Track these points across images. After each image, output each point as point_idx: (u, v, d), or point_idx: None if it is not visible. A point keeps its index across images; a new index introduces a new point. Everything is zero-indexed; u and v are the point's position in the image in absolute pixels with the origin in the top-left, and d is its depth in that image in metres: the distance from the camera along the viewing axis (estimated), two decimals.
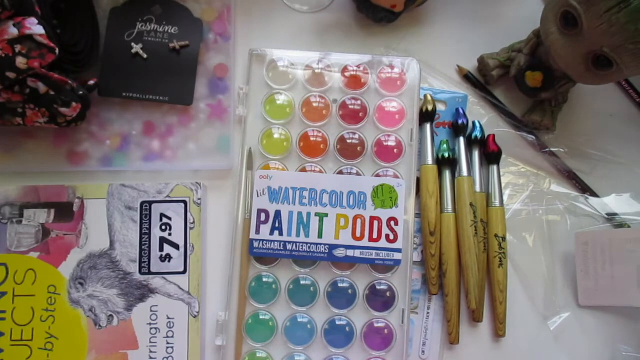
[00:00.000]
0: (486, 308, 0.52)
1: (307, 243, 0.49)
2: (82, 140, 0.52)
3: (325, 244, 0.49)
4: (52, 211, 0.51)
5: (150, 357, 0.49)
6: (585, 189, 0.55)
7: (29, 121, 0.47)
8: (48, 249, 0.50)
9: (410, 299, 0.50)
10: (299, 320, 0.50)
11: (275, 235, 0.49)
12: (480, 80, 0.56)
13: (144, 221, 0.51)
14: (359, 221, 0.50)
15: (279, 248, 0.49)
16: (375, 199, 0.50)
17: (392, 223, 0.49)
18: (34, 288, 0.50)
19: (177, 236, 0.51)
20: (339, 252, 0.49)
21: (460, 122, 0.52)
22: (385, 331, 0.49)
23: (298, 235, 0.49)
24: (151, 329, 0.50)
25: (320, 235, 0.49)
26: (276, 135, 0.52)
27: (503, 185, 0.53)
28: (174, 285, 0.50)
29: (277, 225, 0.50)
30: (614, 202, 0.54)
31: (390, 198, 0.50)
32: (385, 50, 0.56)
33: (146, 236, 0.51)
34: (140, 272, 0.50)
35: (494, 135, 0.53)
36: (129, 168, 0.52)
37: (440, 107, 0.54)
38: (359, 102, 0.52)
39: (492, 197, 0.52)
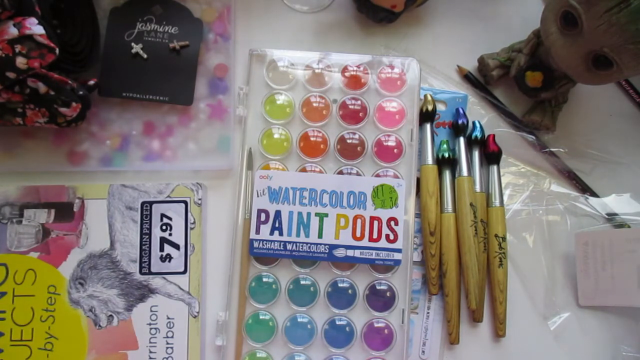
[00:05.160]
0: (486, 308, 0.52)
1: (307, 243, 0.49)
2: (82, 140, 0.52)
3: (325, 244, 0.49)
4: (52, 211, 0.51)
5: (150, 357, 0.49)
6: (585, 189, 0.55)
7: (29, 121, 0.47)
8: (48, 249, 0.50)
9: (410, 299, 0.50)
10: (299, 320, 0.50)
11: (275, 235, 0.49)
12: (480, 80, 0.56)
13: (144, 221, 0.51)
14: (359, 221, 0.50)
15: (279, 248, 0.49)
16: (375, 199, 0.50)
17: (392, 223, 0.49)
18: (34, 288, 0.50)
19: (178, 236, 0.51)
20: (339, 252, 0.49)
21: (460, 122, 0.52)
22: (385, 331, 0.49)
23: (298, 235, 0.49)
24: (151, 329, 0.50)
25: (320, 235, 0.49)
26: (276, 135, 0.52)
27: (503, 185, 0.53)
28: (174, 285, 0.50)
29: (277, 225, 0.49)
30: (614, 202, 0.54)
31: (390, 198, 0.50)
32: (385, 50, 0.56)
33: (146, 236, 0.51)
34: (141, 272, 0.50)
35: (494, 135, 0.53)
36: (129, 168, 0.52)
37: (440, 107, 0.54)
38: (359, 102, 0.52)
39: (492, 197, 0.52)
